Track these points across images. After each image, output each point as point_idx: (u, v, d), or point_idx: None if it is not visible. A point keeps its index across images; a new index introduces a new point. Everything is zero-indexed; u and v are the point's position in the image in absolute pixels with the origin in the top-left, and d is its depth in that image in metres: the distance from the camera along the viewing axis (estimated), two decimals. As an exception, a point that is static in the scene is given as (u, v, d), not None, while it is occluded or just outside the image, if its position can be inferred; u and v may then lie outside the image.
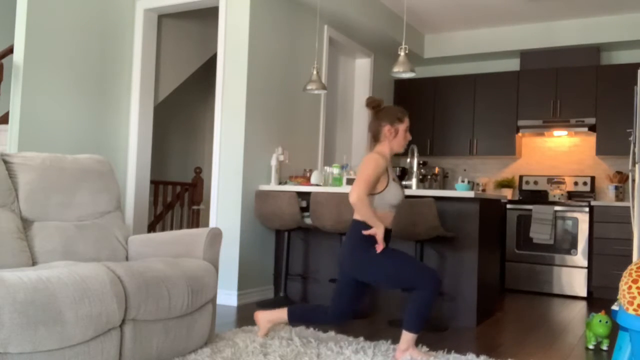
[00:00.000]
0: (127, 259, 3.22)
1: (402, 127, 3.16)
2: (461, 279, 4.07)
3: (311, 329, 3.56)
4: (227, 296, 4.46)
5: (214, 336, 3.21)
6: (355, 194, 2.93)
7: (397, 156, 6.97)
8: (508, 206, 5.99)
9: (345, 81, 6.47)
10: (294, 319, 3.23)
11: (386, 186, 3.04)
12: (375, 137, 3.19)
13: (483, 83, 6.54)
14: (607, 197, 6.08)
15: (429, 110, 6.81)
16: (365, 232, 2.98)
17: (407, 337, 2.98)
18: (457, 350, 3.30)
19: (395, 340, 3.46)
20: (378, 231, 2.96)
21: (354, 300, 3.18)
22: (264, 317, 3.29)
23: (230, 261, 4.49)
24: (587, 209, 5.62)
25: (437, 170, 6.65)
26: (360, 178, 2.97)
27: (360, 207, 2.94)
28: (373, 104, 3.20)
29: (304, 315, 3.21)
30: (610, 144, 5.88)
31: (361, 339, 3.39)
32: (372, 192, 3.01)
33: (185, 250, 3.07)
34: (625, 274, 2.24)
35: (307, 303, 3.27)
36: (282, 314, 3.25)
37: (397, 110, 3.18)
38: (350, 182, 4.44)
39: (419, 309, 2.95)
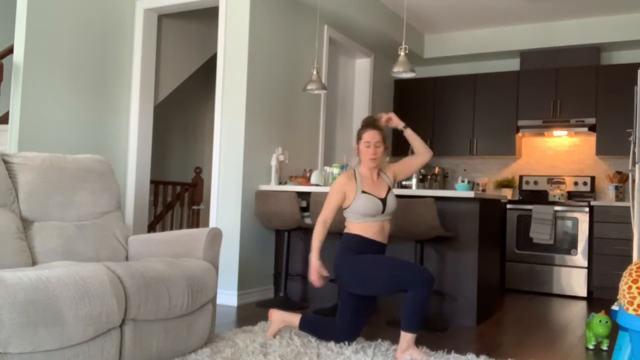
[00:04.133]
0: (127, 259, 3.22)
1: (361, 143, 3.26)
2: (461, 279, 4.07)
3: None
4: (227, 296, 4.46)
5: (214, 336, 3.21)
6: (319, 218, 3.22)
7: (396, 156, 6.96)
8: (508, 206, 5.99)
9: (345, 81, 6.47)
10: (305, 328, 3.27)
11: (353, 199, 3.17)
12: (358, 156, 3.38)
13: (483, 83, 6.54)
14: (607, 197, 6.08)
15: (429, 110, 6.81)
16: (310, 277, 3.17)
17: (406, 337, 2.98)
18: (457, 350, 3.30)
19: (395, 340, 3.45)
20: (312, 260, 3.16)
21: (358, 315, 3.21)
22: (278, 317, 3.31)
23: (230, 261, 4.49)
24: (587, 209, 5.62)
25: (437, 170, 6.64)
26: (325, 201, 3.26)
27: (314, 232, 3.21)
28: (362, 124, 3.36)
29: (316, 328, 3.26)
30: (610, 144, 5.88)
31: (361, 339, 3.39)
32: (343, 207, 3.23)
33: (185, 250, 3.07)
34: (625, 274, 2.24)
35: (323, 317, 3.33)
36: (294, 319, 3.28)
37: (360, 127, 3.31)
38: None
39: (414, 308, 2.96)
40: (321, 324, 3.26)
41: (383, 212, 3.20)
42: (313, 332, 3.26)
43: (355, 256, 3.15)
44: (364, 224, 3.18)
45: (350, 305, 3.20)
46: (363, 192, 3.18)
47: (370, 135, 3.23)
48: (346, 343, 3.21)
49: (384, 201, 3.21)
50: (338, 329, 3.21)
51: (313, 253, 3.18)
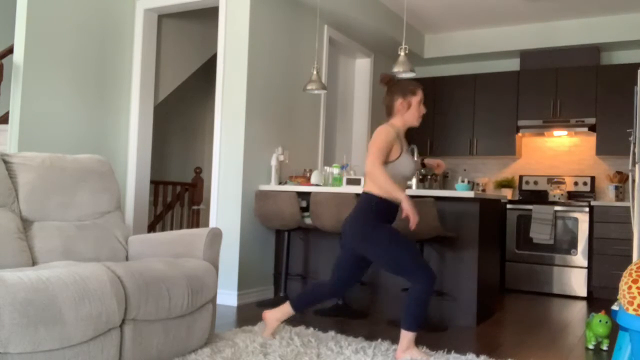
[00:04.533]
0: (127, 259, 3.22)
1: (415, 99, 3.13)
2: (461, 279, 4.07)
3: (311, 329, 3.56)
4: (227, 296, 4.46)
5: (214, 336, 3.21)
6: (369, 161, 2.95)
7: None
8: (508, 206, 5.99)
9: (345, 81, 6.47)
10: (299, 307, 3.24)
11: (399, 156, 3.05)
12: (388, 112, 3.19)
13: (483, 83, 6.54)
14: (607, 197, 6.08)
15: (429, 110, 6.80)
16: (403, 216, 2.96)
17: (406, 336, 2.98)
18: (457, 350, 3.30)
19: (395, 340, 3.45)
20: (404, 203, 2.92)
21: (354, 272, 3.18)
22: (272, 316, 3.29)
23: (230, 261, 4.49)
24: (587, 209, 5.62)
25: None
26: (372, 147, 2.99)
27: (377, 174, 2.93)
28: (386, 80, 3.21)
29: (306, 299, 3.22)
30: (610, 144, 5.88)
31: (361, 339, 3.39)
32: (385, 161, 3.01)
33: (185, 250, 3.07)
34: (625, 274, 2.24)
35: (308, 289, 3.27)
36: (286, 309, 3.27)
37: (409, 83, 3.16)
38: (350, 182, 4.44)
39: (414, 307, 2.95)
40: (309, 294, 3.23)
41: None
42: (311, 303, 3.23)
43: (379, 226, 3.01)
44: (397, 184, 3.01)
45: (350, 263, 3.15)
46: (406, 151, 3.10)
47: (422, 93, 3.16)
48: (346, 343, 3.21)
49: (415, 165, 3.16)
50: (333, 283, 3.17)
51: (399, 194, 2.92)
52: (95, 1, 4.75)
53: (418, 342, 3.40)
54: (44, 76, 4.34)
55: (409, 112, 3.13)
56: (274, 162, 4.75)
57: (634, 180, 4.04)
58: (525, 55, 6.43)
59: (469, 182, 6.62)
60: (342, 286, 3.20)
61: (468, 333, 3.81)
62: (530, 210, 5.86)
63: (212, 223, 4.61)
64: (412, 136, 6.18)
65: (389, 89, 3.18)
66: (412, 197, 4.04)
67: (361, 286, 4.44)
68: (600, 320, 3.40)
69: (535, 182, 6.40)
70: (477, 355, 3.15)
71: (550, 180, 6.30)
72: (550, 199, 6.01)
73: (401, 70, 4.30)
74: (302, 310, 3.27)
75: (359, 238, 3.04)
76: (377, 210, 3.03)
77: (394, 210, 3.10)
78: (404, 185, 3.15)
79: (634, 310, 2.15)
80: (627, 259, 5.39)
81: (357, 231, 3.04)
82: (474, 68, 6.96)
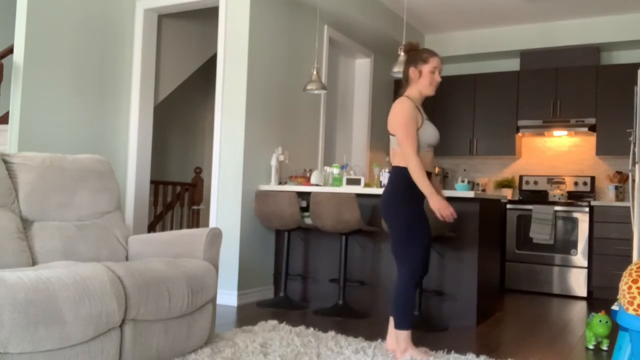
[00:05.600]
0: (127, 259, 3.22)
1: (427, 67, 3.05)
2: (461, 279, 4.07)
3: (311, 329, 3.55)
4: (227, 296, 4.46)
5: (214, 336, 3.21)
6: (406, 154, 2.90)
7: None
8: (508, 206, 5.99)
9: (345, 81, 6.47)
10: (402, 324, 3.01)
11: (421, 125, 2.99)
12: (405, 81, 3.15)
13: (483, 83, 6.54)
14: (607, 197, 6.08)
15: (429, 110, 6.73)
16: (440, 216, 2.90)
17: (400, 336, 2.97)
18: (457, 350, 3.30)
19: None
20: (431, 202, 2.87)
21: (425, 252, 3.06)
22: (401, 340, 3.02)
23: (230, 261, 4.49)
24: (587, 209, 5.62)
25: (437, 170, 6.64)
26: (399, 129, 2.93)
27: (411, 167, 2.89)
28: (407, 48, 3.16)
29: (402, 308, 2.99)
30: (610, 144, 5.88)
31: (361, 339, 3.39)
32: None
33: (185, 250, 3.07)
34: (625, 274, 2.24)
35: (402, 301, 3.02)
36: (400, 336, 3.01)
37: (424, 51, 3.10)
38: (350, 182, 4.43)
39: (395, 300, 2.95)
40: (405, 300, 2.99)
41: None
42: (406, 312, 3.00)
43: (410, 205, 2.95)
44: (422, 153, 3.00)
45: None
46: (426, 119, 3.06)
47: (437, 62, 3.07)
48: (346, 343, 3.21)
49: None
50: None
51: (429, 191, 2.87)
52: (95, 1, 4.75)
53: (418, 342, 3.40)
54: (44, 76, 4.34)
55: (421, 81, 3.06)
56: (274, 162, 4.75)
57: (634, 180, 4.04)
58: (525, 55, 6.43)
59: (469, 182, 6.62)
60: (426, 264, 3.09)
61: (468, 333, 3.81)
62: (530, 210, 5.86)
63: (212, 223, 4.61)
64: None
65: (407, 57, 3.16)
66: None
67: (361, 286, 4.44)
68: (600, 320, 3.40)
69: (535, 182, 6.40)
70: (477, 355, 3.14)
71: (550, 180, 6.30)
72: (550, 199, 6.01)
73: (401, 70, 4.29)
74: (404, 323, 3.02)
75: (392, 213, 2.99)
76: (414, 184, 2.94)
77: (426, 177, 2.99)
78: (431, 154, 3.07)
79: (634, 310, 2.15)
80: (627, 259, 5.38)
81: (391, 205, 2.99)
82: (474, 68, 6.96)
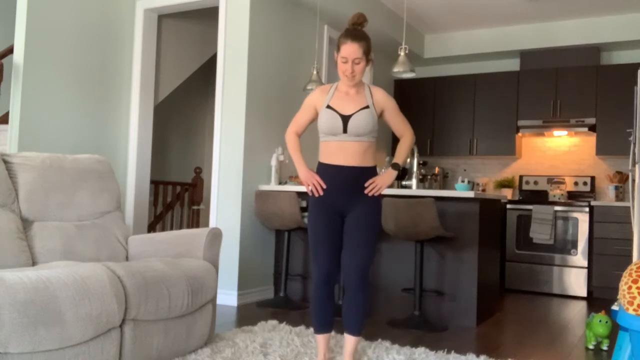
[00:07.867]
0: (127, 259, 3.22)
1: (337, 55, 2.75)
2: (461, 279, 4.07)
3: (311, 329, 3.56)
4: (227, 296, 4.46)
5: (214, 336, 3.21)
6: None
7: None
8: (508, 206, 5.99)
9: (345, 81, 6.46)
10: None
11: (319, 111, 2.78)
12: None
13: (483, 83, 6.54)
14: (607, 197, 6.08)
15: (429, 110, 6.81)
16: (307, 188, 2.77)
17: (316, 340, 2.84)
18: (457, 350, 3.30)
19: (395, 340, 3.46)
20: (301, 176, 2.77)
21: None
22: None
23: (230, 261, 4.49)
24: (587, 209, 5.62)
25: (437, 170, 6.65)
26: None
27: (287, 143, 2.92)
28: (351, 21, 2.86)
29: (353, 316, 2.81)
30: (610, 144, 5.88)
31: (361, 338, 3.38)
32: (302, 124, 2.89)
33: (185, 250, 3.07)
34: (625, 274, 2.24)
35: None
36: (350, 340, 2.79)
37: (344, 34, 2.76)
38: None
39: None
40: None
41: (344, 131, 2.67)
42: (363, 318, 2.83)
43: (313, 204, 2.77)
44: (323, 142, 2.75)
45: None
46: (328, 107, 2.73)
47: (349, 50, 2.67)
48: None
49: (346, 118, 2.67)
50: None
51: (298, 163, 2.79)
52: (95, 1, 4.75)
53: (418, 342, 3.40)
54: (44, 76, 4.34)
55: (338, 70, 2.77)
56: (274, 162, 4.75)
57: (634, 180, 4.04)
58: (525, 55, 6.43)
59: (469, 182, 6.62)
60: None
61: (468, 333, 3.81)
62: (530, 210, 5.86)
63: (212, 223, 4.61)
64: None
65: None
66: (412, 197, 4.04)
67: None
68: (600, 320, 3.40)
69: (535, 182, 6.40)
70: (477, 355, 3.15)
71: (550, 180, 6.31)
72: (550, 199, 6.01)
73: (401, 70, 4.30)
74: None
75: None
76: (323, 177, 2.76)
77: (325, 170, 2.75)
78: (334, 144, 2.72)
79: (634, 310, 2.15)
80: (627, 259, 5.39)
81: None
82: (474, 68, 6.96)
